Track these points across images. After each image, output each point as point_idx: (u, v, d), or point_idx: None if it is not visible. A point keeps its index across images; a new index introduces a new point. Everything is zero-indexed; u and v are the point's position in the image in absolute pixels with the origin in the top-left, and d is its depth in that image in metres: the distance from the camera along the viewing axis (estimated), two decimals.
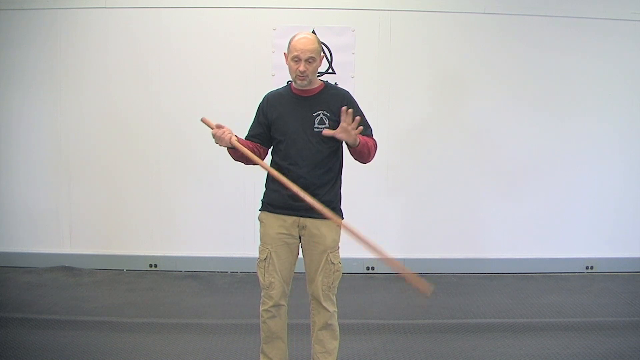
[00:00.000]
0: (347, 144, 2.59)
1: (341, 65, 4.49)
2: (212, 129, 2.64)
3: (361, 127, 2.53)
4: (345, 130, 2.51)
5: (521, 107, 4.62)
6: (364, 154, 2.63)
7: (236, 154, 2.66)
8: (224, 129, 2.59)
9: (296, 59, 2.57)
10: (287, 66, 2.63)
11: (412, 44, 4.55)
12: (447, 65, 4.57)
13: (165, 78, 4.52)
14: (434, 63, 4.57)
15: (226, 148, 2.65)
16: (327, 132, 2.56)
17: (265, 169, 2.64)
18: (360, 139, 2.56)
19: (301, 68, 2.57)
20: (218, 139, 2.60)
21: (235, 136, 2.63)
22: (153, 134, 4.58)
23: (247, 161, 2.68)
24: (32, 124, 4.60)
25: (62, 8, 4.47)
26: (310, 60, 2.58)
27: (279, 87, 2.80)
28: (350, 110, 2.49)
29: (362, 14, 4.50)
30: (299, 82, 2.62)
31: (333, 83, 2.85)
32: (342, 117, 2.49)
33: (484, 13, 4.51)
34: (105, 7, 4.46)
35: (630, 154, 4.71)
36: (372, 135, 2.73)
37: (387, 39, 4.52)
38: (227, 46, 4.51)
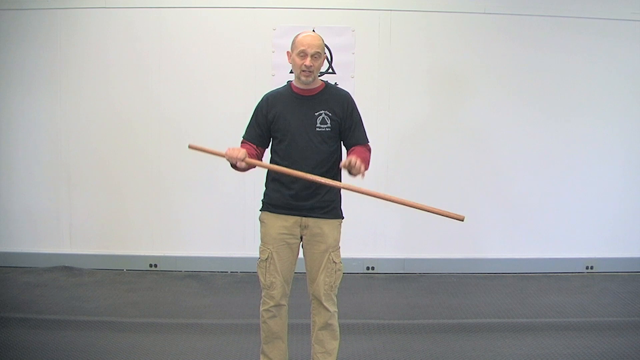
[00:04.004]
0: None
1: (341, 65, 4.49)
2: (205, 152, 2.63)
3: (360, 174, 2.52)
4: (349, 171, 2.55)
5: (521, 107, 4.62)
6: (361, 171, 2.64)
7: (240, 171, 2.63)
8: (235, 149, 2.54)
9: (302, 54, 2.57)
10: (292, 63, 2.63)
11: (412, 44, 4.55)
12: (447, 65, 4.57)
13: (165, 78, 4.52)
14: (434, 63, 4.56)
15: (230, 164, 2.62)
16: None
17: (279, 170, 2.61)
18: (359, 162, 2.54)
19: (307, 62, 2.56)
20: (232, 162, 2.54)
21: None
22: (153, 133, 4.58)
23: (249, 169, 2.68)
24: (32, 124, 4.60)
25: (62, 8, 4.47)
26: (316, 56, 2.58)
27: (278, 87, 2.79)
28: (347, 163, 2.50)
29: (362, 14, 4.50)
30: (303, 78, 2.61)
31: (333, 83, 2.85)
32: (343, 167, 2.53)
33: (484, 13, 4.51)
34: (105, 7, 4.46)
35: (631, 154, 4.71)
36: (366, 139, 2.73)
37: (387, 39, 4.52)
38: (227, 46, 4.51)
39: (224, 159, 2.62)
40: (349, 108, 2.68)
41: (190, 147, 2.68)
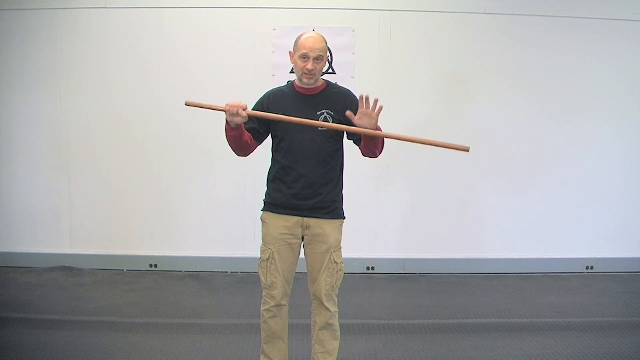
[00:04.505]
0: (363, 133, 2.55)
1: (341, 65, 4.50)
2: (203, 107, 2.57)
3: (381, 106, 2.49)
4: (367, 114, 2.49)
5: (521, 107, 4.62)
6: (378, 141, 2.61)
7: (235, 133, 2.56)
8: (235, 102, 2.48)
9: (304, 57, 2.56)
10: (293, 64, 2.62)
11: (412, 44, 4.55)
12: (447, 65, 4.57)
13: (165, 78, 4.52)
14: (434, 63, 4.57)
15: (224, 128, 2.56)
16: (349, 113, 2.52)
17: (281, 119, 2.56)
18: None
19: (309, 66, 2.56)
20: (232, 111, 2.46)
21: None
22: (153, 134, 4.58)
23: (242, 149, 2.65)
24: (32, 124, 4.60)
25: (62, 8, 4.46)
26: (318, 59, 2.57)
27: (281, 85, 2.79)
28: (368, 96, 2.48)
29: (362, 14, 4.50)
30: (305, 80, 2.61)
31: (334, 82, 2.84)
32: (361, 104, 2.49)
33: (484, 13, 4.51)
34: (105, 7, 4.46)
35: (630, 154, 4.71)
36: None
37: (387, 39, 4.52)
38: (227, 46, 4.51)
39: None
40: (352, 105, 2.66)
41: (186, 104, 2.60)
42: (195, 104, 2.59)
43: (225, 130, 2.57)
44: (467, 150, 2.56)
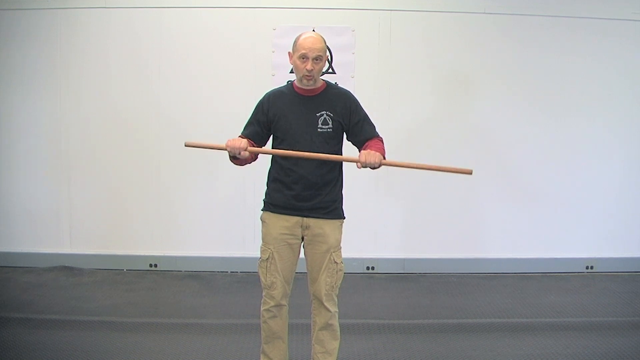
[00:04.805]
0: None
1: (341, 65, 4.50)
2: (203, 147, 2.71)
3: (375, 158, 2.51)
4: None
5: (521, 107, 4.62)
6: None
7: (239, 161, 2.64)
8: (236, 140, 2.57)
9: (304, 58, 2.55)
10: (293, 65, 2.62)
11: (412, 44, 4.55)
12: (447, 66, 4.57)
13: (165, 78, 4.52)
14: (434, 63, 4.57)
15: (229, 156, 2.62)
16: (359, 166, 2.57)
17: (282, 154, 2.62)
18: (369, 157, 2.53)
19: (309, 67, 2.55)
20: (234, 152, 2.55)
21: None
22: (153, 134, 4.58)
23: (247, 163, 2.69)
24: (32, 124, 4.60)
25: (62, 8, 4.46)
26: (317, 59, 2.57)
27: (280, 86, 2.79)
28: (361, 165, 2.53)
29: (362, 14, 4.50)
30: (305, 81, 2.61)
31: (333, 82, 2.85)
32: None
33: (484, 13, 4.51)
34: (105, 7, 4.46)
35: (630, 154, 4.71)
36: (377, 133, 2.72)
37: (387, 39, 4.52)
38: (227, 46, 4.51)
39: (224, 155, 2.63)
40: (351, 106, 2.68)
41: (186, 145, 2.69)
42: (195, 144, 2.71)
43: (229, 157, 2.62)
44: (470, 174, 2.61)
